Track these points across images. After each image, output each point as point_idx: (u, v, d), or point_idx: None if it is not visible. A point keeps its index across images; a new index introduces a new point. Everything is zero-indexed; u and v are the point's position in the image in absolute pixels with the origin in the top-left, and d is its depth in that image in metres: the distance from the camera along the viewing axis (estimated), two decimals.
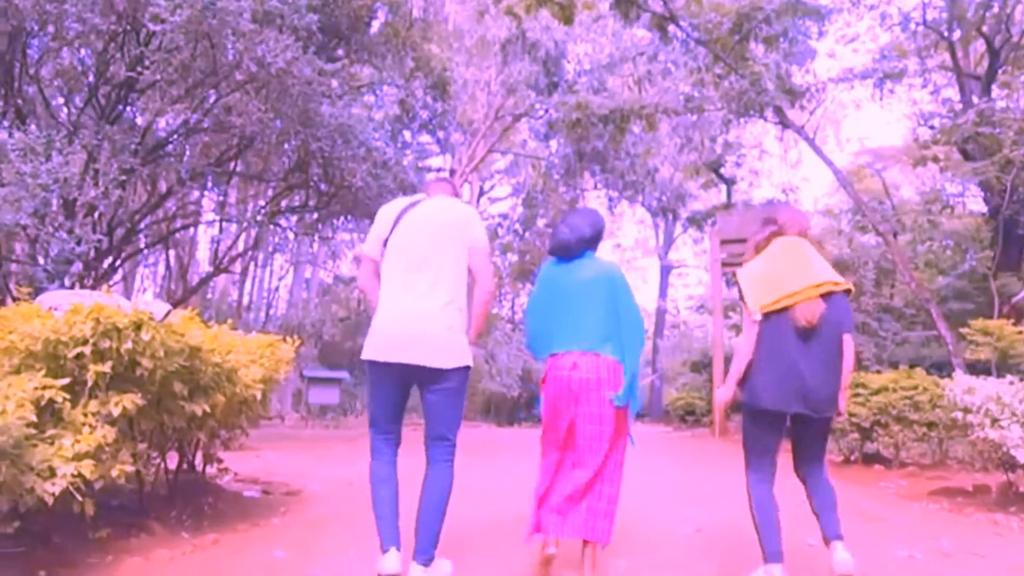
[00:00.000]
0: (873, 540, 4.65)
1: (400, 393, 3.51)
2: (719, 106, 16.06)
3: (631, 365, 3.66)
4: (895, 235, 15.46)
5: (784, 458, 3.63)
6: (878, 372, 9.25)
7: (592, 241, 3.81)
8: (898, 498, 6.58)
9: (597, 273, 3.71)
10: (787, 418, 3.50)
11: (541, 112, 21.00)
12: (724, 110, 15.95)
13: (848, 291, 3.55)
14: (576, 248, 3.75)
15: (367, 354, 3.44)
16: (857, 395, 8.13)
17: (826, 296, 3.43)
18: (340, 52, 13.48)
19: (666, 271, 34.44)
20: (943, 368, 10.27)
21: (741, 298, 3.64)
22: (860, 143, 30.94)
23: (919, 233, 17.81)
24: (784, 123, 15.60)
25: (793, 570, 3.42)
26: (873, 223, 14.77)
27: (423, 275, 3.43)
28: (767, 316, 3.46)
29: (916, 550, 4.33)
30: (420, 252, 3.47)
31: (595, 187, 24.86)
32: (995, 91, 13.83)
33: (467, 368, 3.47)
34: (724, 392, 3.63)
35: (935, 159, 15.55)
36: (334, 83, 11.33)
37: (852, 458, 8.70)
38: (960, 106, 14.19)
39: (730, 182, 24.76)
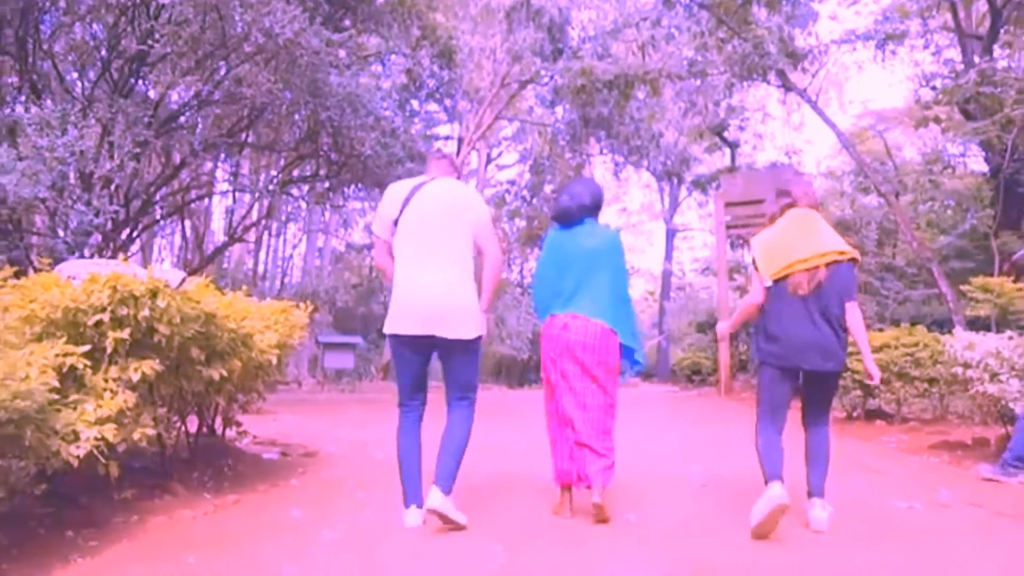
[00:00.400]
0: (874, 492, 4.67)
1: (422, 362, 3.77)
2: (722, 70, 15.84)
3: (626, 328, 3.95)
4: (897, 196, 15.31)
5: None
6: (880, 330, 9.21)
7: (592, 209, 4.05)
8: (899, 452, 6.60)
9: (596, 240, 3.97)
10: (797, 375, 3.71)
11: (546, 79, 20.74)
12: (727, 74, 15.73)
13: (854, 260, 3.69)
14: (576, 214, 4.01)
15: (390, 329, 3.67)
16: (859, 353, 8.10)
17: (831, 264, 3.61)
18: (347, 22, 13.32)
19: (671, 234, 34.29)
20: (944, 325, 10.22)
21: (754, 264, 3.83)
22: (862, 105, 30.47)
23: (920, 193, 17.61)
24: (787, 86, 15.40)
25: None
26: (875, 184, 14.62)
27: (436, 254, 3.64)
28: (776, 282, 3.67)
29: (916, 501, 4.35)
30: (431, 233, 3.67)
31: (601, 152, 24.64)
32: (997, 51, 13.57)
33: (480, 337, 3.73)
34: (723, 326, 3.92)
35: (937, 120, 15.33)
36: (341, 53, 11.21)
37: (855, 414, 8.71)
38: (962, 66, 13.93)
39: (734, 146, 24.53)
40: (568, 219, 4.02)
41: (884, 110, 21.75)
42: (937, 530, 3.74)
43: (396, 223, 3.74)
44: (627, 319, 4.02)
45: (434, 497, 3.51)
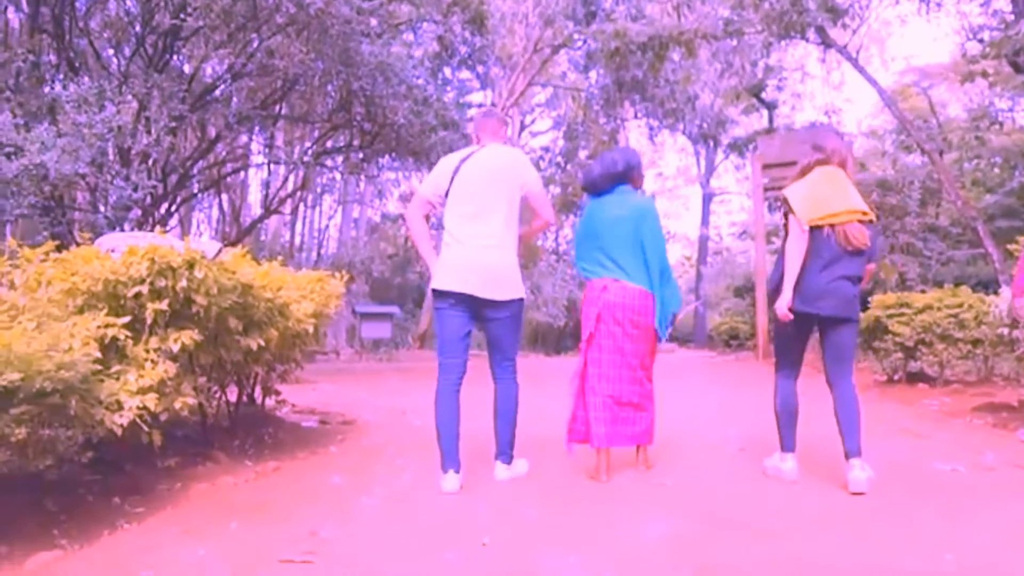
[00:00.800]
0: (916, 456, 4.59)
1: (465, 322, 3.84)
2: (759, 29, 15.44)
3: (662, 292, 4.04)
4: (941, 154, 14.89)
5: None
6: (923, 291, 9.01)
7: (624, 175, 4.10)
8: (942, 415, 6.48)
9: (628, 207, 4.04)
10: (812, 325, 3.82)
11: (579, 43, 20.45)
12: (764, 32, 15.34)
13: (871, 221, 3.81)
14: (603, 183, 4.10)
15: (436, 284, 3.80)
16: (901, 314, 7.95)
17: (860, 223, 3.72)
18: None
19: (708, 198, 33.87)
20: (988, 286, 9.98)
21: (789, 213, 3.82)
22: (905, 61, 29.70)
23: (966, 151, 17.11)
24: (826, 43, 15.00)
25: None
26: (919, 142, 14.24)
27: (484, 221, 3.78)
28: (810, 231, 3.71)
29: (959, 464, 4.27)
30: (480, 201, 3.80)
31: (635, 116, 24.28)
32: None
33: (522, 299, 3.90)
34: (783, 304, 3.74)
35: (984, 74, 14.83)
36: (373, 21, 11.18)
37: (896, 377, 8.57)
38: (1012, 17, 13.41)
39: (771, 106, 24.06)
40: (595, 188, 4.13)
41: (928, 66, 21.13)
42: (981, 493, 3.67)
43: (447, 194, 3.88)
44: (664, 285, 4.06)
45: (499, 471, 3.89)
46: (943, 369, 8.23)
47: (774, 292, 3.85)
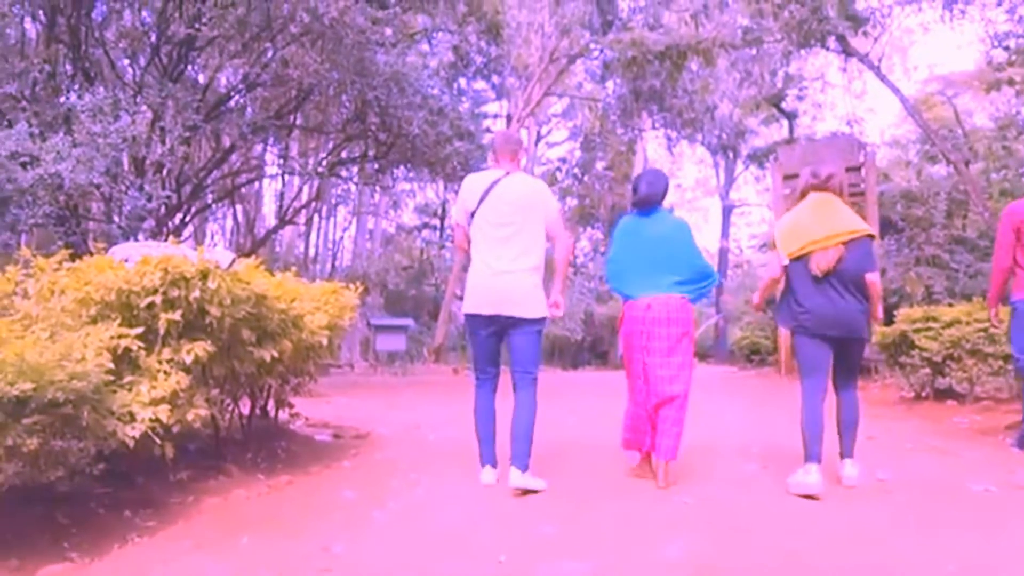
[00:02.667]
0: (945, 475, 4.51)
1: (495, 339, 4.25)
2: (779, 37, 15.38)
3: (700, 281, 4.42)
4: (967, 164, 14.76)
5: None
6: (950, 305, 8.89)
7: (664, 195, 4.51)
8: (972, 433, 6.37)
9: (667, 225, 4.43)
10: (829, 342, 4.07)
11: (596, 52, 20.50)
12: (784, 41, 15.29)
13: (871, 236, 4.11)
14: (653, 202, 4.43)
15: (466, 309, 4.23)
16: (928, 329, 7.85)
17: (849, 242, 3.98)
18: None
19: (728, 210, 33.72)
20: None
21: (773, 244, 4.34)
22: (929, 70, 29.36)
23: (993, 161, 16.94)
24: (847, 52, 14.92)
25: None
26: (944, 152, 14.13)
27: (510, 245, 4.14)
28: (797, 260, 4.07)
29: (991, 483, 4.19)
30: (507, 228, 4.14)
31: (653, 127, 24.29)
32: None
33: (545, 318, 4.25)
34: (755, 296, 4.68)
35: (1010, 82, 14.66)
36: (387, 31, 11.26)
37: (923, 394, 8.45)
38: None
39: (792, 116, 23.97)
40: (648, 206, 4.42)
41: (952, 74, 20.95)
42: (1016, 513, 3.60)
43: (473, 215, 4.22)
44: (702, 278, 4.41)
45: (514, 476, 3.95)
46: (973, 386, 8.10)
47: (776, 312, 4.43)
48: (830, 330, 4.01)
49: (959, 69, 21.35)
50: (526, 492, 3.92)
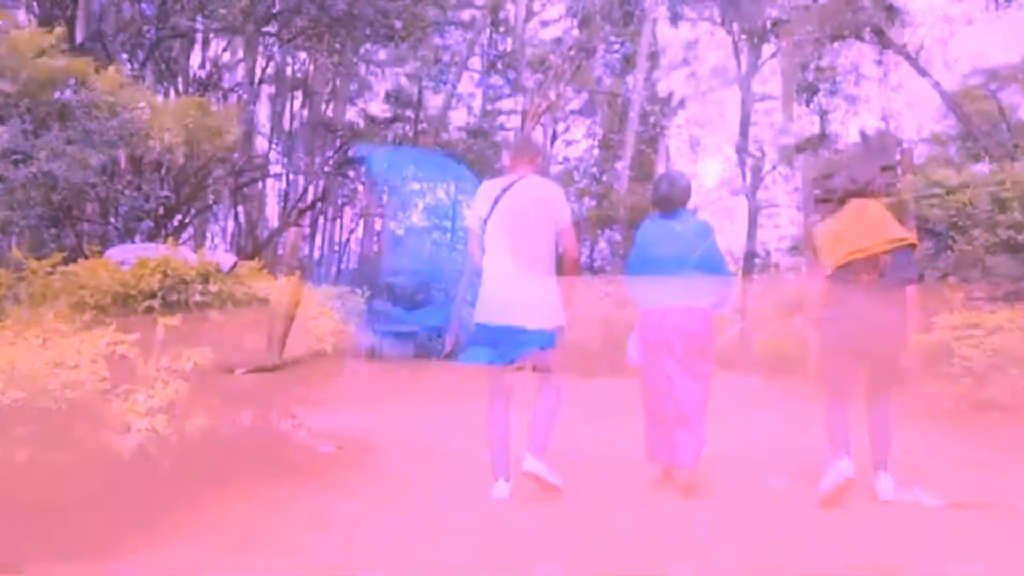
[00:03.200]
0: (991, 491, 4.45)
1: (509, 351, 4.24)
2: (810, 29, 15.34)
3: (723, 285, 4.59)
4: (1012, 160, 14.60)
5: None
6: (992, 312, 8.79)
7: (686, 199, 4.61)
8: (1018, 447, 6.30)
9: (691, 227, 4.49)
10: (864, 352, 4.14)
11: (616, 46, 20.46)
12: (816, 33, 15.24)
13: (912, 245, 4.22)
14: (677, 203, 4.52)
15: (478, 318, 4.32)
16: (970, 336, 7.77)
17: (890, 251, 4.04)
18: None
19: (755, 212, 33.53)
20: None
21: (814, 252, 4.34)
22: (971, 63, 29.18)
23: None
24: (883, 44, 14.85)
25: None
26: (987, 148, 14.00)
27: (523, 252, 4.19)
28: (837, 270, 4.10)
29: None
30: (517, 232, 4.20)
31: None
32: None
33: (560, 326, 4.32)
34: (805, 314, 4.67)
35: None
36: (397, 24, 11.26)
37: (964, 405, 8.35)
38: None
39: (823, 112, 23.80)
40: (671, 207, 4.49)
41: (997, 67, 20.76)
42: None
43: (486, 221, 4.29)
44: (724, 285, 4.60)
45: (528, 461, 4.05)
46: (1018, 397, 8.00)
47: (815, 324, 4.38)
48: (867, 340, 4.04)
49: (1004, 62, 21.14)
50: (541, 484, 4.02)
